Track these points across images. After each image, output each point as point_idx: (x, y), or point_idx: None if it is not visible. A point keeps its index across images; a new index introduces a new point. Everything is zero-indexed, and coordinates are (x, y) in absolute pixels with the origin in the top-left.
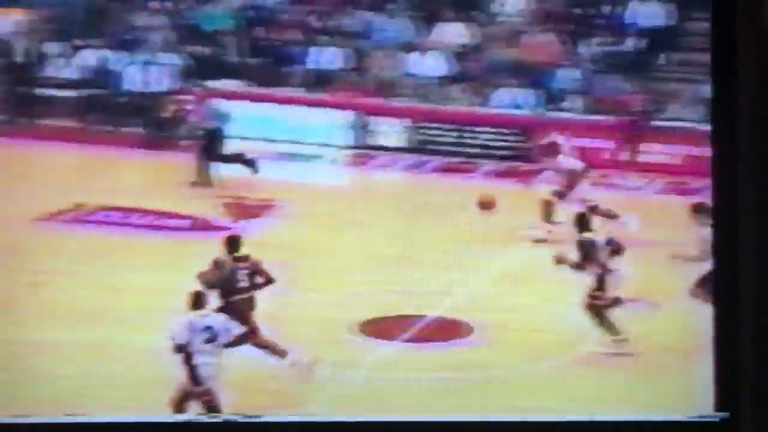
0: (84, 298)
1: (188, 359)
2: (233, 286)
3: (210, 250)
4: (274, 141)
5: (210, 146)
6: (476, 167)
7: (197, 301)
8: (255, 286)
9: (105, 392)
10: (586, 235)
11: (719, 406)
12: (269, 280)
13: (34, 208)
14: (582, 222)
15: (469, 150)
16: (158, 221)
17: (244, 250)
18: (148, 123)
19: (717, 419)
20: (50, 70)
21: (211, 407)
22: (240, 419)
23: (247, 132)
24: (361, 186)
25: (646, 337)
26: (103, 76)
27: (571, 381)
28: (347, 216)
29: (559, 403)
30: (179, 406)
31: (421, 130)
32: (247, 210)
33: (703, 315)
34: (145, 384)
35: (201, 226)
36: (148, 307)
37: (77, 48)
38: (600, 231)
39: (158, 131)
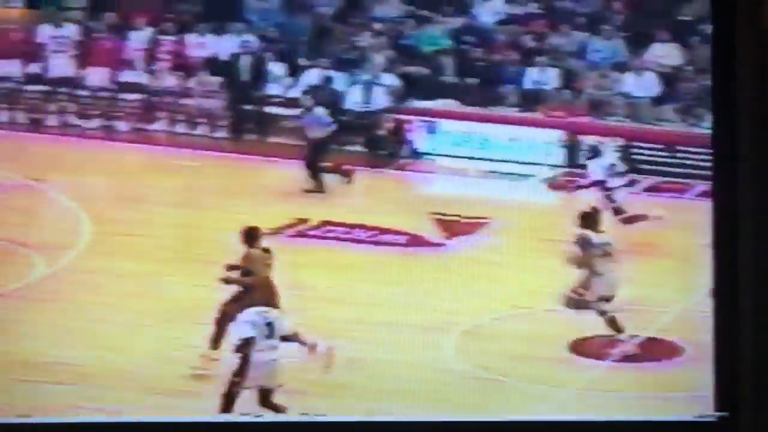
0: (307, 309)
1: (247, 355)
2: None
3: (426, 265)
4: (486, 159)
5: (316, 154)
6: (687, 187)
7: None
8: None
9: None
10: (586, 232)
11: (719, 406)
12: None
13: (260, 222)
14: (587, 219)
15: (680, 170)
16: (377, 237)
17: None
18: (367, 141)
19: (717, 419)
20: (275, 89)
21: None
22: (253, 419)
23: (460, 150)
24: (570, 205)
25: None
26: (325, 96)
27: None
28: (556, 234)
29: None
30: (228, 403)
31: (632, 150)
32: (459, 227)
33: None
34: (373, 391)
35: (416, 242)
36: (370, 320)
37: (301, 68)
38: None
39: (377, 149)
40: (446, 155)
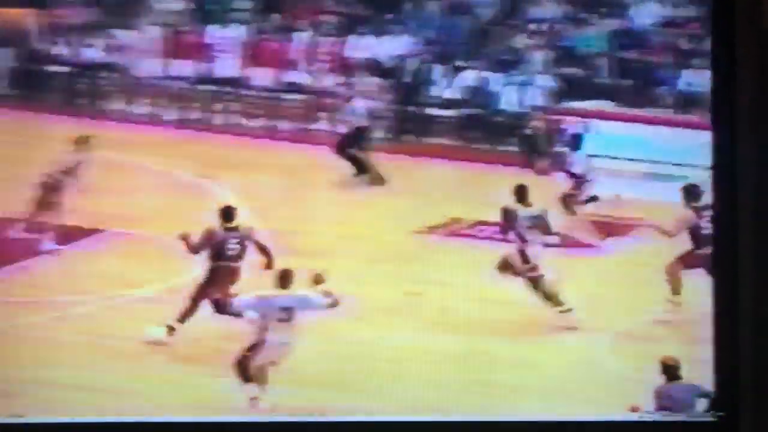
0: (457, 308)
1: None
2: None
3: (580, 265)
4: (639, 161)
5: (353, 143)
6: None
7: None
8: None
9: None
10: (513, 205)
11: (719, 406)
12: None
13: (416, 220)
14: (519, 193)
15: None
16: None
17: None
18: (522, 142)
19: (717, 419)
20: (434, 90)
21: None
22: (253, 419)
23: (613, 151)
24: None
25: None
26: (481, 96)
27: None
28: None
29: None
30: (246, 374)
31: None
32: (613, 228)
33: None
34: (516, 389)
35: (571, 243)
36: (525, 321)
37: (459, 69)
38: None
39: (531, 150)
40: (601, 156)
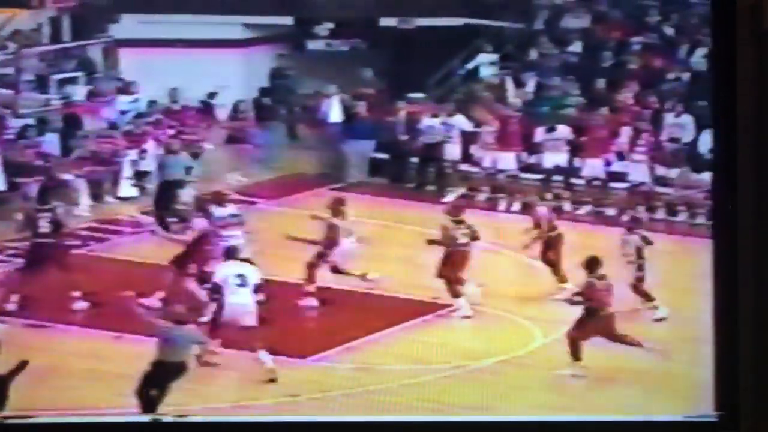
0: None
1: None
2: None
3: None
4: None
5: None
6: None
7: None
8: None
9: None
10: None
11: (719, 405)
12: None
13: None
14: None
15: None
16: None
17: None
18: None
19: (717, 419)
20: None
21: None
22: (254, 419)
23: None
24: None
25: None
26: None
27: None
28: None
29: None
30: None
31: None
32: None
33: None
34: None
35: None
36: None
37: None
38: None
39: None
40: None
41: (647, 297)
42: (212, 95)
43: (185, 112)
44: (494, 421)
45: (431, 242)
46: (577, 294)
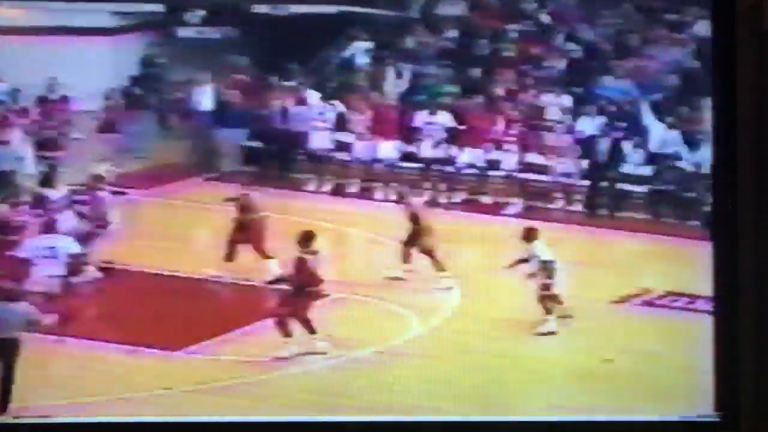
0: (658, 375)
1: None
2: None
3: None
4: None
5: None
6: None
7: None
8: None
9: None
10: None
11: (719, 405)
12: None
13: (611, 290)
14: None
15: None
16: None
17: None
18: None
19: (717, 419)
20: (627, 168)
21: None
22: (255, 419)
23: None
24: None
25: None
26: (670, 172)
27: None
28: None
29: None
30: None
31: None
32: None
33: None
34: None
35: None
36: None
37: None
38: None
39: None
40: None
41: (548, 311)
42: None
43: (60, 103)
44: (494, 421)
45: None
46: (287, 271)
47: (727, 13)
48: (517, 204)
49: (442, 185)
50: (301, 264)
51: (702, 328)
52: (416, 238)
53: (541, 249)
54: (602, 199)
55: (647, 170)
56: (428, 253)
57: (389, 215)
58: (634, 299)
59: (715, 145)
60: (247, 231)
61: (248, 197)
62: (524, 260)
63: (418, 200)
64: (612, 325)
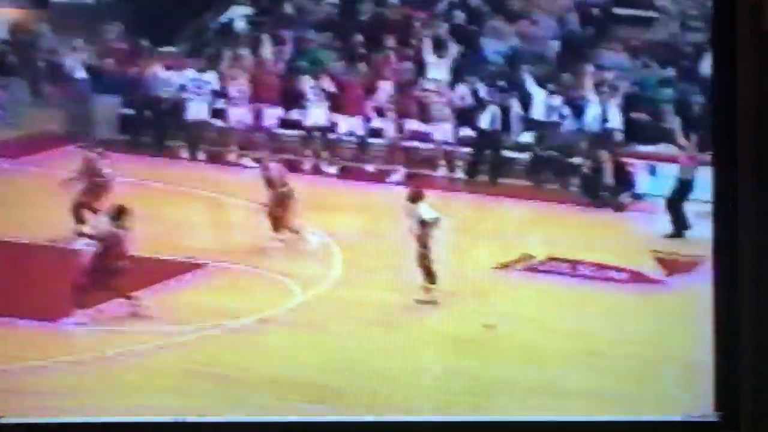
0: (536, 339)
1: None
2: None
3: (647, 301)
4: (698, 200)
5: None
6: None
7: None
8: None
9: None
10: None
11: (719, 405)
12: None
13: (494, 257)
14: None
15: None
16: (600, 272)
17: None
18: (586, 181)
19: (717, 419)
20: (511, 136)
21: None
22: (255, 419)
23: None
24: None
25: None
26: (552, 138)
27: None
28: None
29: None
30: None
31: None
32: (678, 265)
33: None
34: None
35: (639, 278)
36: (600, 352)
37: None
38: None
39: (596, 190)
40: (665, 197)
41: (430, 276)
42: None
43: None
44: (494, 421)
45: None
46: (93, 238)
47: (727, 13)
48: (399, 171)
49: (324, 153)
50: (112, 238)
51: (591, 294)
52: (279, 204)
53: (426, 210)
54: (484, 166)
55: (529, 137)
56: (283, 221)
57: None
58: (516, 265)
59: (715, 145)
60: None
61: None
62: None
63: (275, 165)
64: (494, 292)
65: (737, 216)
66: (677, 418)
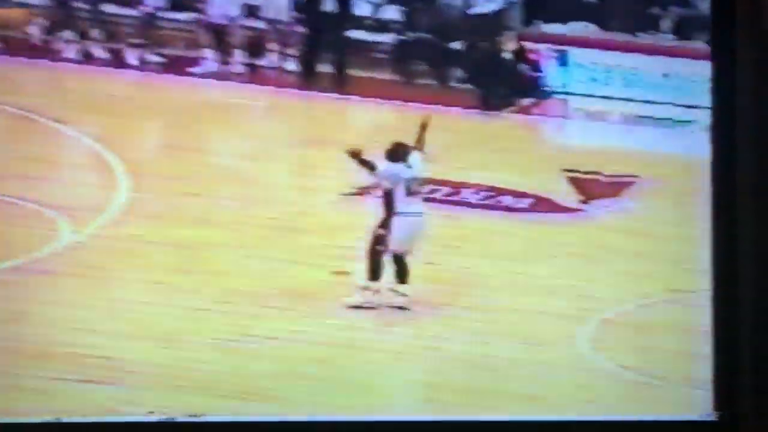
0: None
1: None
2: None
3: (556, 235)
4: (633, 100)
5: None
6: None
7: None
8: None
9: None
10: None
11: (719, 406)
12: None
13: (351, 178)
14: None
15: None
16: (492, 200)
17: None
18: (478, 76)
19: (717, 419)
20: (360, 9)
21: None
22: (256, 419)
23: (599, 88)
24: None
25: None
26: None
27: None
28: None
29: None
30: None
31: None
32: (599, 187)
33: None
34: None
35: (544, 206)
36: (486, 306)
37: None
38: None
39: (491, 86)
40: (582, 94)
41: (373, 272)
42: None
43: None
44: (494, 421)
45: None
46: None
47: (727, 13)
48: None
49: (93, 31)
50: None
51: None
52: None
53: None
54: (326, 54)
55: (394, 12)
56: None
57: None
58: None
59: (714, 145)
60: None
61: None
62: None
63: None
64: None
65: (737, 217)
66: (676, 418)
